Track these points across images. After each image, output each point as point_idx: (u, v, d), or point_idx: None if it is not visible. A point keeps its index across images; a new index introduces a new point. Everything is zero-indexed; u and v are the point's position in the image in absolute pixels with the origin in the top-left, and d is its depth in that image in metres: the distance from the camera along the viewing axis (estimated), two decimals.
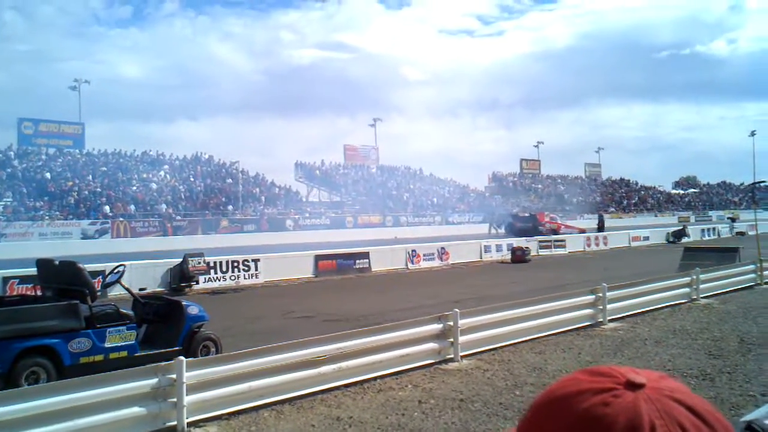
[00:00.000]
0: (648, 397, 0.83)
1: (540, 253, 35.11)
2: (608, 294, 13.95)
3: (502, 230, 52.39)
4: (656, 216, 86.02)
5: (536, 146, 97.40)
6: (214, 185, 58.59)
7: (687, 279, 17.14)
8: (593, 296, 13.86)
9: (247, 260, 23.97)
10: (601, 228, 50.65)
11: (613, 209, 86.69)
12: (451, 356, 10.69)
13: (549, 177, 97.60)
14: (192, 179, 58.53)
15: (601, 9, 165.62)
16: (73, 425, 6.78)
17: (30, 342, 8.98)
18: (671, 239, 45.72)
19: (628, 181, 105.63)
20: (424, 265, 29.40)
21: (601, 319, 13.81)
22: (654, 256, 33.23)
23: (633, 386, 0.84)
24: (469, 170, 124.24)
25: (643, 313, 14.96)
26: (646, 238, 45.20)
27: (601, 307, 13.85)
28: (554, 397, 0.88)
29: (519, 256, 31.87)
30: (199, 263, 21.85)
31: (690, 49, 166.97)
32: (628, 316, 14.57)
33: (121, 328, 9.85)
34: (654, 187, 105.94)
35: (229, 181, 59.99)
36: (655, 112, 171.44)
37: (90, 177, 52.15)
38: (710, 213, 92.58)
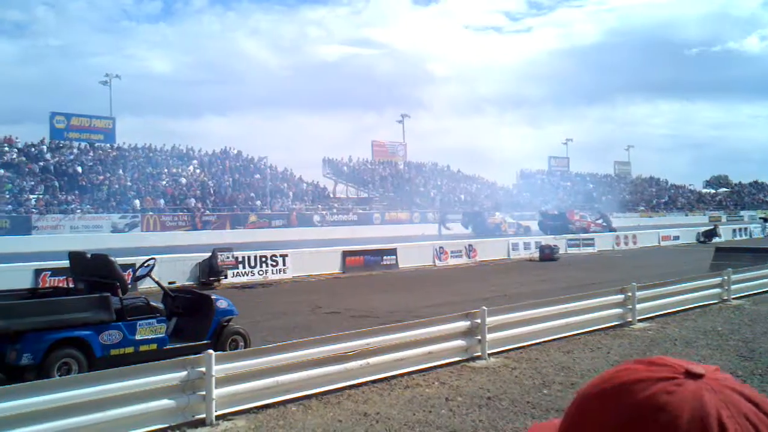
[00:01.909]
0: (710, 387, 0.81)
1: (569, 252, 34.88)
2: (638, 293, 13.79)
3: (469, 230, 50.33)
4: (687, 215, 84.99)
5: (565, 143, 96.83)
6: (243, 180, 58.94)
7: (718, 279, 16.91)
8: (622, 296, 13.73)
9: (275, 255, 24.09)
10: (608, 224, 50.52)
11: (642, 208, 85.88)
12: (479, 354, 10.64)
13: (578, 174, 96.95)
14: (221, 174, 58.90)
15: (630, 5, 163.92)
16: (104, 416, 6.86)
17: (62, 334, 9.10)
18: (702, 239, 45.14)
19: (658, 179, 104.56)
20: (452, 262, 29.33)
21: (630, 319, 13.67)
22: (684, 256, 32.84)
23: (692, 376, 0.83)
24: (496, 167, 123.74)
25: (673, 313, 14.77)
26: (676, 238, 44.69)
27: (630, 306, 13.70)
28: (609, 386, 0.86)
29: (547, 255, 31.68)
30: (228, 258, 22.00)
31: (721, 45, 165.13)
32: (657, 316, 14.40)
33: (151, 321, 9.94)
34: (684, 186, 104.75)
35: (258, 176, 60.33)
36: (684, 110, 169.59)
37: (120, 171, 52.72)
38: (742, 213, 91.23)
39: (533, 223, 54.60)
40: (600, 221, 52.45)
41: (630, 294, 13.69)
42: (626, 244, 40.25)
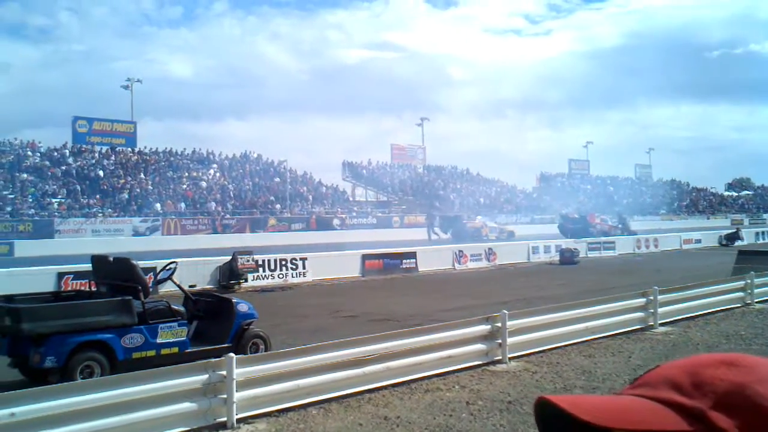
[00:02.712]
0: None
1: (589, 255, 34.71)
2: (659, 297, 13.70)
3: (447, 235, 49.14)
4: (708, 218, 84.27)
5: (585, 146, 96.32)
6: (263, 184, 59.17)
7: (741, 283, 16.75)
8: (644, 299, 13.64)
9: (295, 259, 24.16)
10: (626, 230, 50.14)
11: (664, 211, 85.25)
12: (499, 358, 10.61)
13: (598, 177, 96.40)
14: (241, 178, 59.17)
15: (650, 7, 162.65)
16: (127, 419, 6.91)
17: (85, 337, 9.17)
18: (724, 242, 44.78)
19: (680, 182, 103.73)
20: (472, 265, 29.28)
21: (651, 323, 13.58)
22: (706, 259, 32.55)
23: None
24: (515, 170, 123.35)
25: (695, 317, 14.66)
26: (698, 241, 44.34)
27: (652, 310, 13.61)
28: None
29: (567, 258, 31.56)
30: (248, 261, 22.08)
31: (743, 48, 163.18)
32: (679, 320, 14.29)
33: (172, 324, 10.00)
34: (706, 189, 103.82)
35: (277, 179, 60.51)
36: (706, 112, 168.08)
37: (141, 175, 53.10)
38: (765, 216, 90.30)
39: (518, 227, 54.56)
40: (616, 223, 52.13)
41: (652, 297, 13.60)
42: (647, 247, 39.98)
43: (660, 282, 15.42)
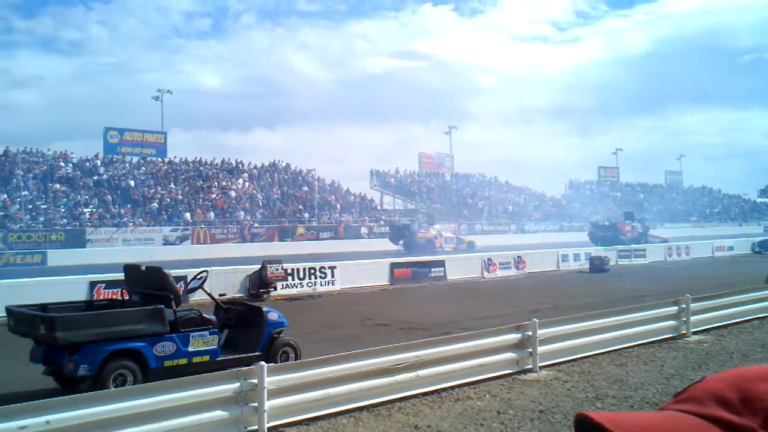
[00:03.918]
0: None
1: (619, 263, 34.40)
2: (692, 305, 13.54)
3: (399, 246, 46.38)
4: (741, 225, 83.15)
5: (615, 153, 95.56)
6: (291, 193, 59.44)
7: None
8: (676, 307, 13.47)
9: (323, 267, 24.21)
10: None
11: (695, 218, 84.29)
12: (530, 366, 10.55)
13: (628, 185, 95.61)
14: (269, 187, 59.50)
15: (679, 13, 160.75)
16: (159, 427, 6.95)
17: (118, 345, 9.25)
18: (757, 249, 44.17)
19: (710, 189, 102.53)
20: (500, 274, 29.14)
21: (684, 331, 13.41)
22: (739, 267, 32.11)
23: None
24: (543, 177, 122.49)
25: (728, 325, 14.46)
26: (731, 248, 43.78)
27: (684, 318, 13.44)
28: None
29: (598, 266, 31.30)
30: (277, 270, 22.15)
31: None
32: (712, 328, 14.11)
33: (204, 332, 10.05)
34: (738, 196, 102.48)
35: (306, 188, 60.77)
36: (737, 118, 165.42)
37: (172, 184, 53.60)
38: None
39: (481, 237, 52.79)
40: (638, 229, 51.67)
41: (684, 306, 13.44)
42: (678, 255, 39.56)
43: (692, 290, 15.21)
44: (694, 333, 13.54)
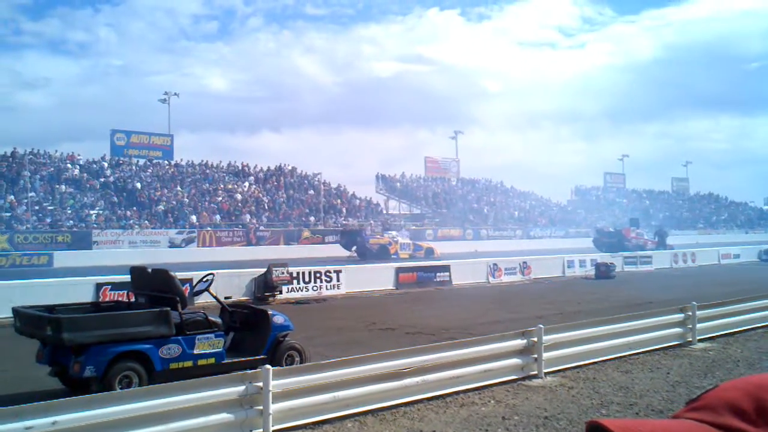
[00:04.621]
0: None
1: (625, 269, 34.33)
2: (698, 313, 13.50)
3: (351, 252, 45.06)
4: (747, 233, 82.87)
5: (621, 159, 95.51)
6: (297, 196, 59.51)
7: None
8: (682, 315, 13.44)
9: (329, 271, 24.23)
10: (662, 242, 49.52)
11: (701, 225, 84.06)
12: (535, 372, 10.53)
13: (634, 191, 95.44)
14: (275, 190, 59.59)
15: (686, 20, 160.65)
16: (165, 429, 6.96)
17: (124, 347, 9.26)
18: (764, 257, 44.03)
19: (717, 196, 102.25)
20: (506, 279, 29.11)
21: (690, 339, 13.37)
22: (745, 275, 32.02)
23: None
24: (549, 183, 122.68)
25: (734, 333, 14.41)
26: (737, 256, 43.65)
27: (690, 326, 13.41)
28: None
29: (603, 272, 31.25)
30: (283, 273, 22.17)
31: None
32: (719, 336, 14.06)
33: (209, 335, 10.06)
34: (745, 203, 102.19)
35: (311, 192, 60.85)
36: (744, 125, 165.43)
37: (178, 187, 53.73)
38: None
39: (444, 243, 51.24)
40: (653, 237, 51.63)
41: (690, 313, 13.40)
42: (684, 262, 39.46)
43: (698, 297, 15.15)
44: (700, 341, 13.50)
